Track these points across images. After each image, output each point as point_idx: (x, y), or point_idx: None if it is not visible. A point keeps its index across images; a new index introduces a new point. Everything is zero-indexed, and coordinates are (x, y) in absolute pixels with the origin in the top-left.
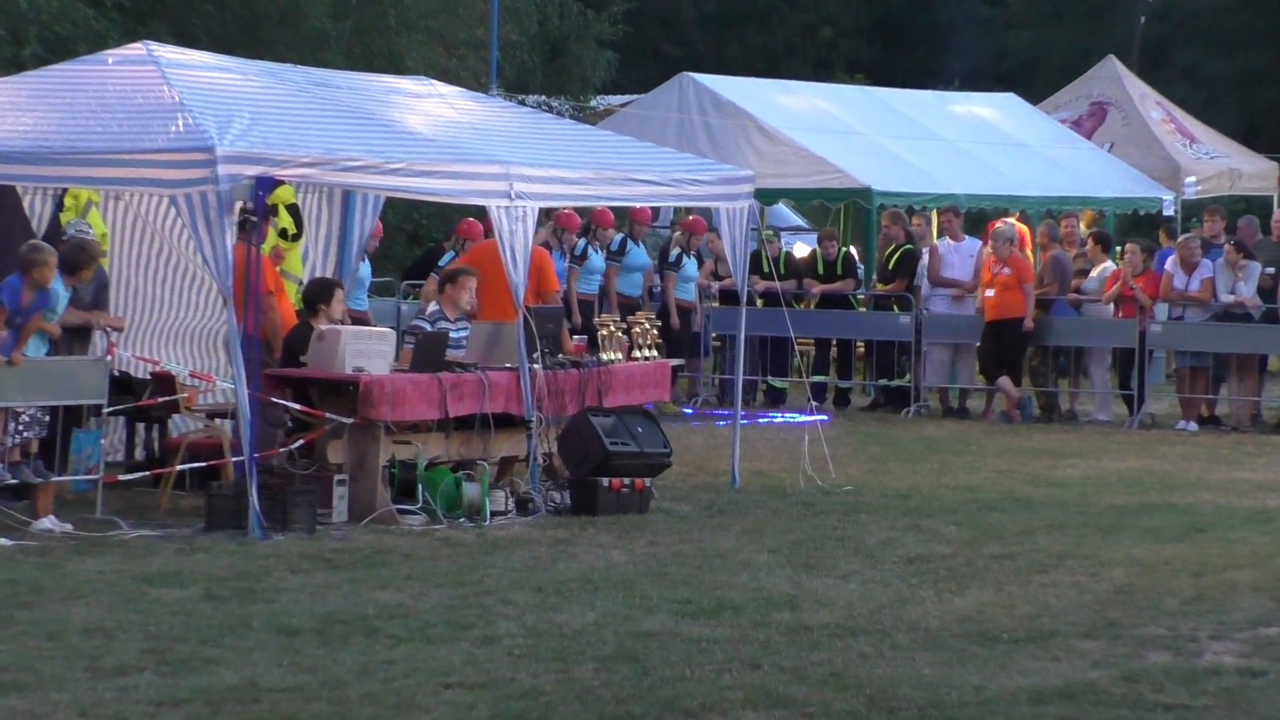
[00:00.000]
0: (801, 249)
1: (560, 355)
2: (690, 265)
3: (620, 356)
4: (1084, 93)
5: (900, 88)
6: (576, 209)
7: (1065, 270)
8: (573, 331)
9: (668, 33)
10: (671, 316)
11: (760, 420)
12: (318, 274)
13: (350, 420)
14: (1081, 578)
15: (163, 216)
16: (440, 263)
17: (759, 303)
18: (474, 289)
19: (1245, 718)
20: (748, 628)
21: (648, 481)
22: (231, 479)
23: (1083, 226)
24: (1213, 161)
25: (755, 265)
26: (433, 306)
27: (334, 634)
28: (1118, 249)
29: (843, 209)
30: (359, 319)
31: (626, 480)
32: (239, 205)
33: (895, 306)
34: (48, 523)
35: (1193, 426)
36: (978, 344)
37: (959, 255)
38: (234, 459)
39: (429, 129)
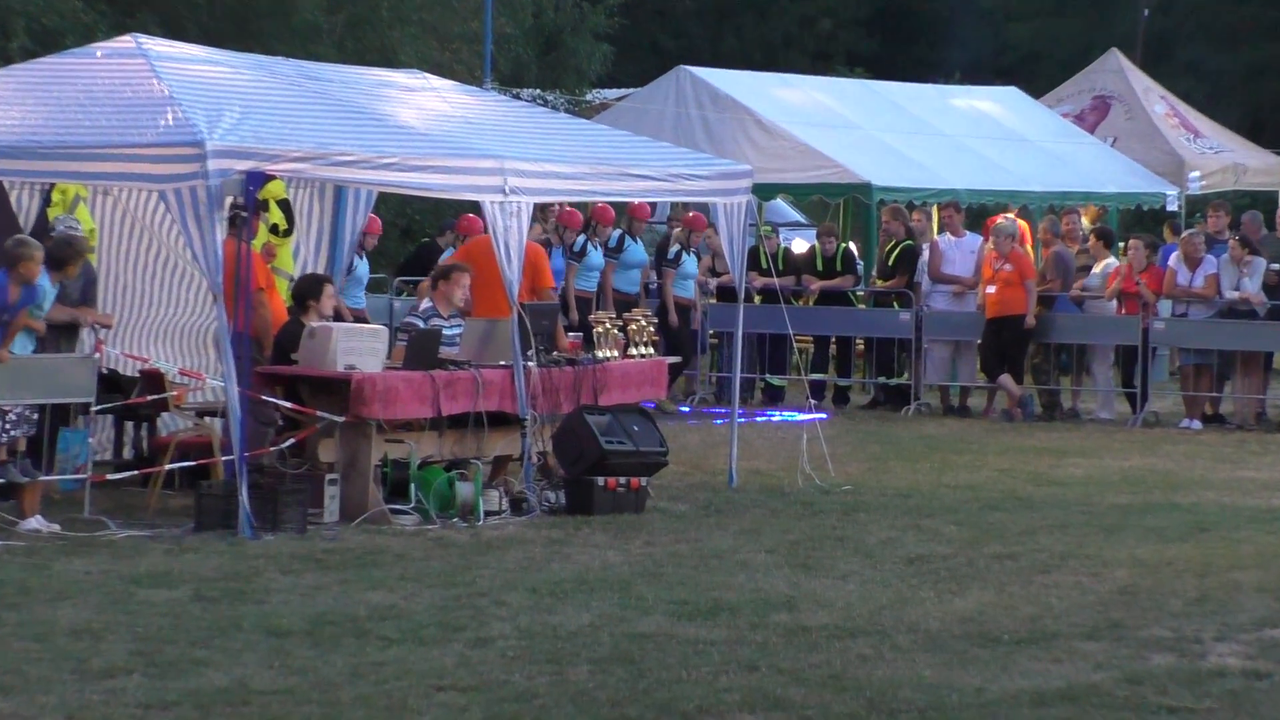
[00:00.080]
0: (800, 245)
1: (555, 353)
2: (690, 262)
3: (616, 354)
4: (1087, 86)
5: (900, 81)
6: (576, 205)
7: (1068, 266)
8: (570, 328)
9: (664, 25)
10: (670, 314)
11: (758, 418)
12: (309, 270)
13: (342, 419)
14: (1084, 578)
15: (152, 212)
16: (441, 259)
17: (757, 299)
18: (468, 285)
19: None
20: (745, 629)
21: (644, 481)
22: (221, 478)
23: (1086, 222)
24: (1217, 156)
25: (753, 261)
26: (426, 303)
27: (325, 635)
28: (1120, 245)
29: (842, 204)
30: (360, 318)
31: (622, 479)
32: (229, 200)
33: (895, 303)
34: (35, 523)
35: (1197, 425)
36: (979, 341)
37: (960, 251)
38: (224, 458)
39: (422, 123)
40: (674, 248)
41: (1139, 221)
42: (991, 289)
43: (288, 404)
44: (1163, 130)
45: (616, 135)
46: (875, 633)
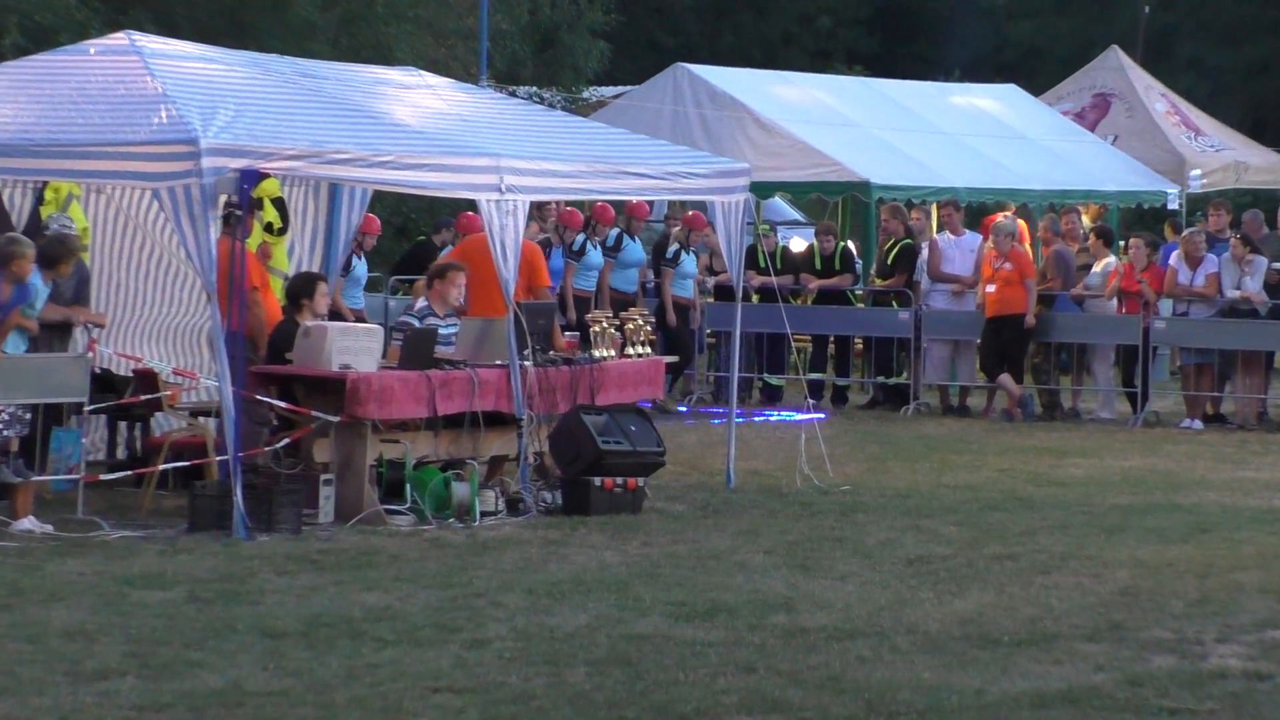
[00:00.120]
0: (798, 243)
1: (552, 352)
2: (689, 261)
3: (613, 353)
4: (1087, 84)
5: (900, 79)
6: (575, 204)
7: (1068, 265)
8: (568, 328)
9: (662, 22)
10: (668, 313)
11: (756, 418)
12: (304, 269)
13: (337, 418)
14: (1084, 579)
15: (145, 210)
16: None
17: (755, 298)
18: (463, 284)
19: None
20: (743, 630)
21: (641, 481)
22: (216, 479)
23: (1087, 220)
24: (1218, 154)
25: (751, 260)
26: (421, 302)
27: (320, 637)
28: (1121, 243)
29: (841, 203)
30: (360, 319)
31: (619, 480)
32: (223, 199)
33: (894, 302)
34: (27, 523)
35: (1198, 425)
36: (978, 340)
37: (959, 250)
38: (218, 458)
39: (417, 121)
40: (673, 246)
41: (1139, 220)
42: (991, 288)
43: (282, 404)
44: (1163, 128)
45: (613, 133)
46: (874, 634)
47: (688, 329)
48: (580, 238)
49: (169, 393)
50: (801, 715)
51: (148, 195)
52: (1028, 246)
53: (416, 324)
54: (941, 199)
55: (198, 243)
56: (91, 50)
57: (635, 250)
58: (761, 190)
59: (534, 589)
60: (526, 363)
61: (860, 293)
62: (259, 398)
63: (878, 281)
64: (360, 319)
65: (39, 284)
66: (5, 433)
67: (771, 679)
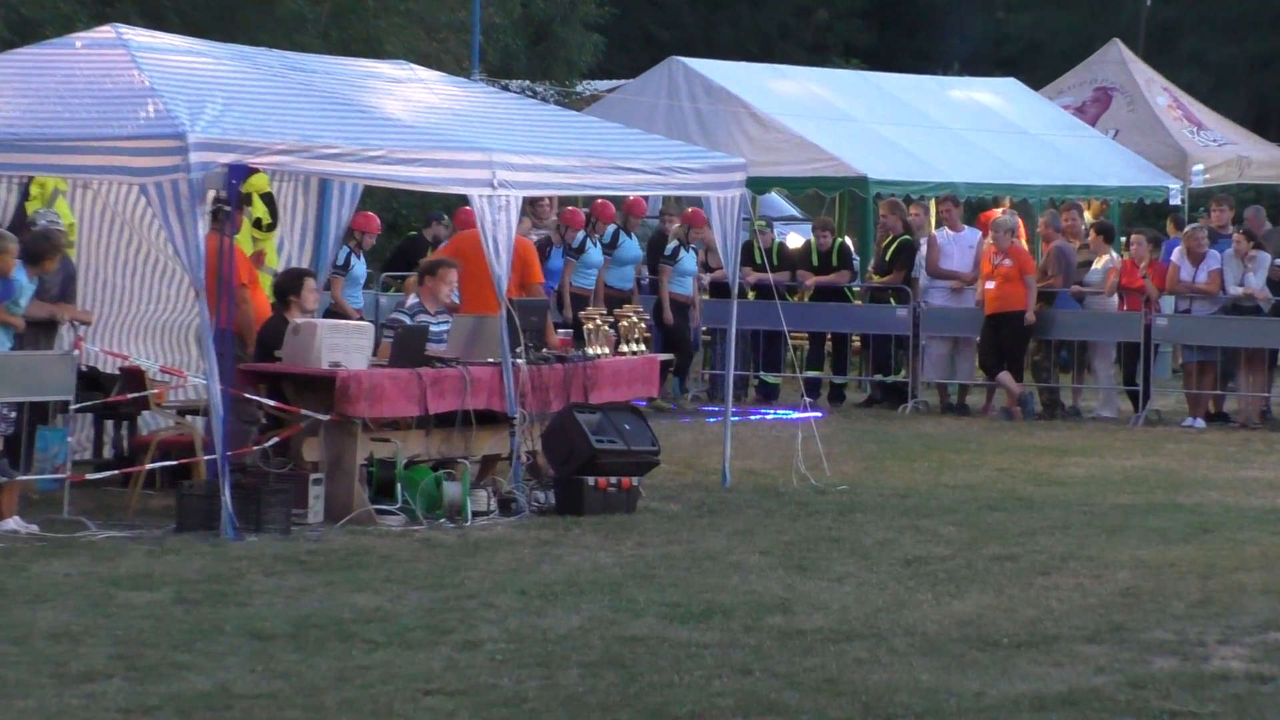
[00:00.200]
0: (795, 239)
1: (545, 349)
2: (688, 259)
3: (607, 351)
4: (1088, 78)
5: (898, 72)
6: (571, 200)
7: (1069, 262)
8: (564, 325)
9: (657, 15)
10: (665, 312)
11: (752, 417)
12: (294, 265)
13: (327, 417)
14: (1085, 580)
15: (132, 206)
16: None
17: (751, 295)
18: (455, 281)
19: None
20: (739, 632)
21: (635, 480)
22: (203, 478)
23: (1089, 216)
24: (1221, 149)
25: (747, 256)
26: (412, 299)
27: (309, 639)
28: (1122, 240)
29: (838, 198)
30: (362, 318)
31: (613, 479)
32: (212, 194)
33: (892, 299)
34: (12, 523)
35: (1200, 423)
36: (977, 338)
37: (958, 246)
38: (206, 457)
39: (409, 115)
40: (672, 243)
41: (1141, 216)
42: (991, 284)
43: (271, 402)
44: (1165, 123)
45: (607, 127)
46: (872, 636)
47: (687, 327)
48: (580, 235)
49: (156, 391)
50: (798, 718)
51: (135, 191)
52: (1024, 242)
53: (408, 321)
54: (940, 194)
55: (185, 239)
56: (78, 44)
57: (632, 247)
58: (758, 185)
59: (527, 590)
60: (519, 360)
61: (858, 289)
62: (247, 396)
63: (875, 278)
64: (362, 318)
65: (23, 280)
66: None
67: (767, 681)
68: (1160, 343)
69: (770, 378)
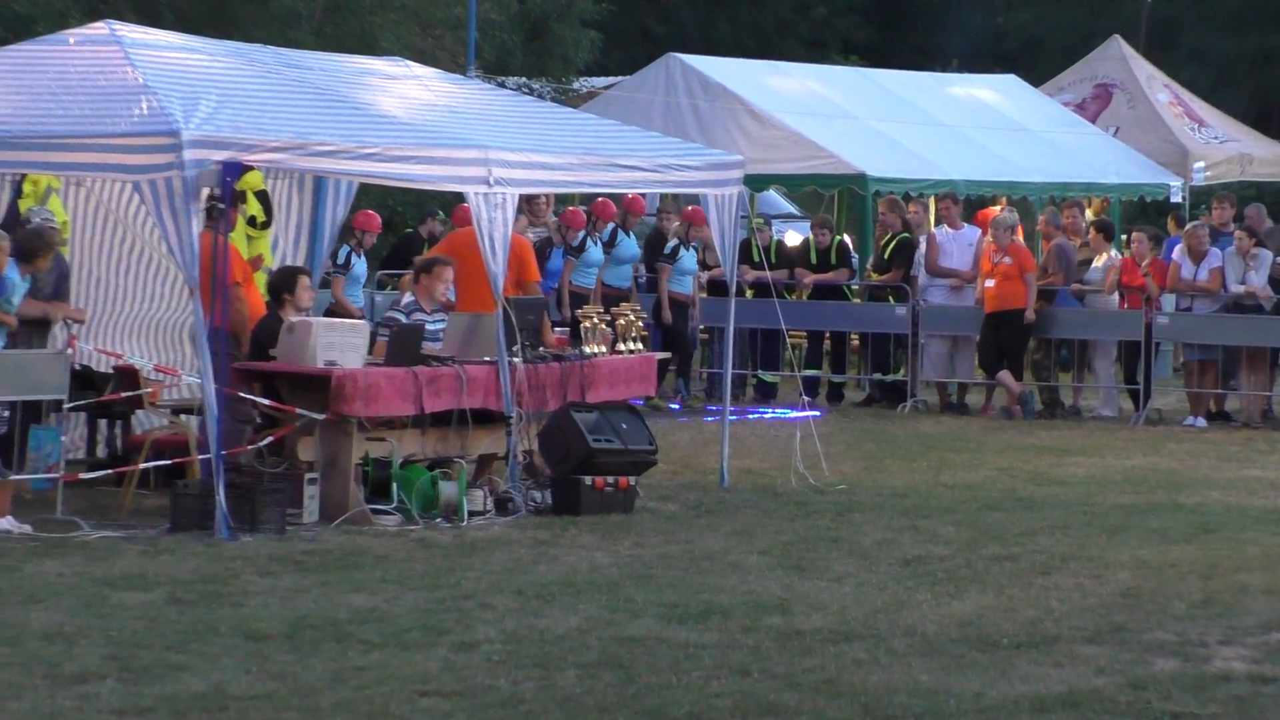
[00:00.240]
0: (793, 237)
1: (541, 348)
2: (688, 257)
3: (604, 349)
4: (1088, 74)
5: (897, 69)
6: (568, 198)
7: (1069, 259)
8: (561, 324)
9: (654, 11)
10: (664, 310)
11: (750, 416)
12: (288, 263)
13: (322, 416)
14: (1085, 580)
15: (126, 203)
16: None
17: (749, 293)
18: (450, 279)
19: None
20: (737, 633)
21: (633, 480)
22: (198, 478)
23: (1089, 214)
24: (1222, 146)
25: (745, 254)
26: (408, 297)
27: (304, 639)
28: (1122, 237)
29: (836, 195)
30: (362, 317)
31: (610, 479)
32: (206, 192)
33: (891, 297)
34: (5, 523)
35: (1201, 422)
36: (977, 336)
37: (957, 244)
38: (200, 457)
39: (404, 112)
40: (671, 242)
41: (1142, 213)
42: (990, 283)
43: (266, 401)
44: (1166, 119)
45: (604, 125)
46: (871, 636)
47: (687, 325)
48: (581, 234)
49: (150, 390)
50: (796, 719)
51: (128, 188)
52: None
53: (403, 319)
54: (939, 192)
55: (179, 236)
56: (71, 40)
57: (630, 246)
58: (756, 183)
59: (523, 590)
60: (515, 359)
61: (856, 287)
62: (242, 395)
63: (874, 276)
64: (364, 317)
65: (16, 278)
66: None
67: (766, 682)
68: (1161, 341)
69: (768, 376)
